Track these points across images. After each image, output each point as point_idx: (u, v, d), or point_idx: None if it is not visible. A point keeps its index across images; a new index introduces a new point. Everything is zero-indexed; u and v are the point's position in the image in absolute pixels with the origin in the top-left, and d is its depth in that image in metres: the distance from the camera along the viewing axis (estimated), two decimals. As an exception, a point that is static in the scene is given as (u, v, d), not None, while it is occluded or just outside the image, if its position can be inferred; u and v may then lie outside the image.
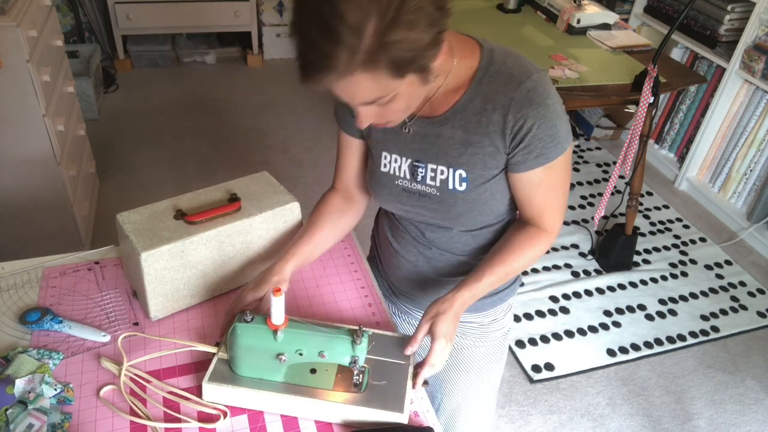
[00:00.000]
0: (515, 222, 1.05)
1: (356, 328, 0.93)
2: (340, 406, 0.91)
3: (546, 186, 0.96)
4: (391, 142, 1.02)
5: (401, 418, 0.90)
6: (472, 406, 1.31)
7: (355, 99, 0.80)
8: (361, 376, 0.94)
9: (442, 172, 0.98)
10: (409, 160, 1.00)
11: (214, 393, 0.92)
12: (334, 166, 1.16)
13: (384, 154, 1.03)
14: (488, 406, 1.35)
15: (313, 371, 0.96)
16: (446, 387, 1.29)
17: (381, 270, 1.26)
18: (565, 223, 2.86)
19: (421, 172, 1.00)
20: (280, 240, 1.18)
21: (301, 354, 0.91)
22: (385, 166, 1.04)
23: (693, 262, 2.74)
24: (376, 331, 1.03)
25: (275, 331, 0.90)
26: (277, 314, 0.89)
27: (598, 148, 3.51)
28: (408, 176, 1.01)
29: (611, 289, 2.54)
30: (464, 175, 0.96)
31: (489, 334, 1.21)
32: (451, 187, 0.98)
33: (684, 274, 2.66)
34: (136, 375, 0.97)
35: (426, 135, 0.97)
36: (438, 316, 0.95)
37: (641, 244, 2.79)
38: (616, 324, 2.37)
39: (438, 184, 0.99)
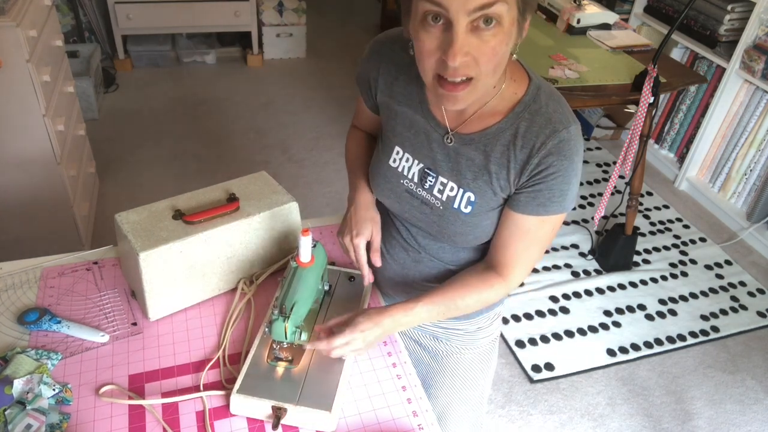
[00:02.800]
0: (478, 263, 1.03)
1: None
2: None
3: (530, 238, 0.94)
4: (408, 140, 1.00)
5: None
6: (458, 410, 1.30)
7: None
8: (282, 355, 0.99)
9: (451, 189, 0.97)
10: (421, 165, 0.99)
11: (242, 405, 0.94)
12: (354, 112, 1.19)
13: (397, 149, 1.02)
14: (475, 410, 1.34)
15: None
16: (431, 391, 1.28)
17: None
18: (565, 223, 2.86)
19: (431, 181, 0.99)
20: (278, 240, 1.18)
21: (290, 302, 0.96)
22: (395, 161, 1.02)
23: (693, 262, 2.73)
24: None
25: (299, 267, 1.00)
26: (304, 252, 0.98)
27: (598, 148, 3.51)
28: (416, 180, 1.00)
29: (611, 289, 2.53)
30: (473, 198, 0.95)
31: (475, 341, 1.21)
32: (455, 206, 0.97)
33: (684, 274, 2.66)
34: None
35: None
36: (364, 314, 0.94)
37: (641, 244, 2.79)
38: (616, 324, 2.37)
39: (444, 198, 0.98)
